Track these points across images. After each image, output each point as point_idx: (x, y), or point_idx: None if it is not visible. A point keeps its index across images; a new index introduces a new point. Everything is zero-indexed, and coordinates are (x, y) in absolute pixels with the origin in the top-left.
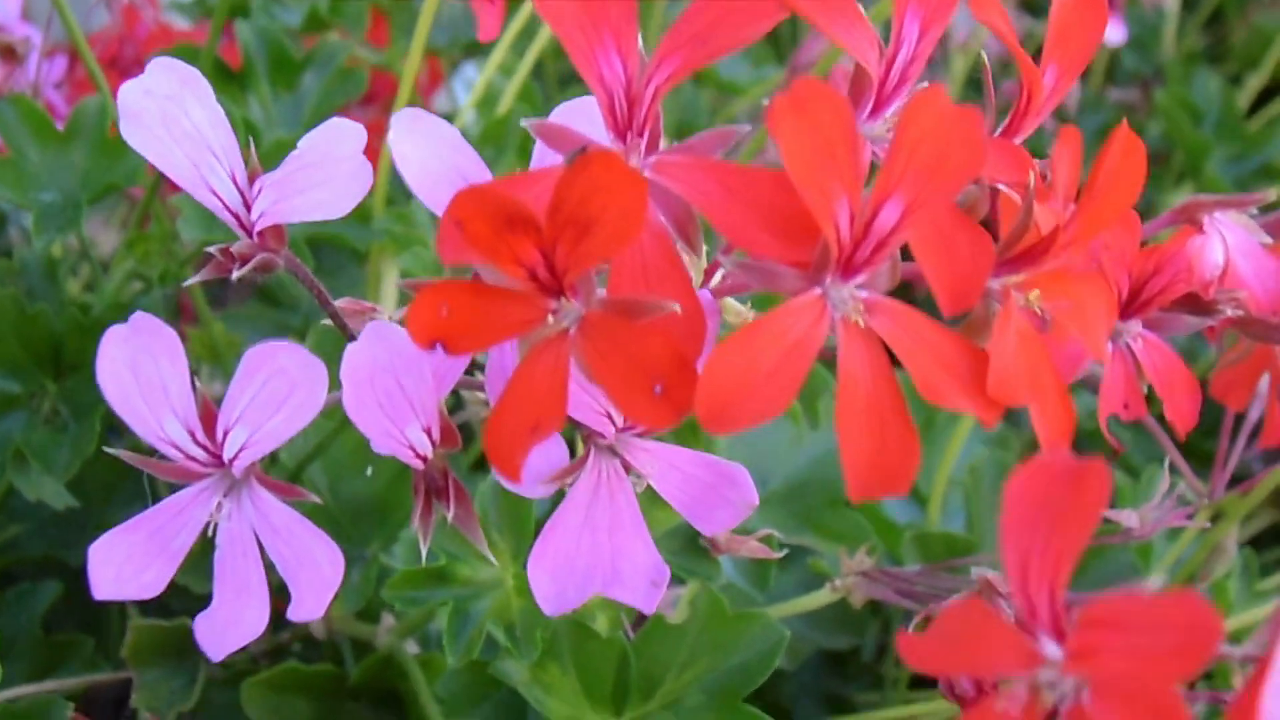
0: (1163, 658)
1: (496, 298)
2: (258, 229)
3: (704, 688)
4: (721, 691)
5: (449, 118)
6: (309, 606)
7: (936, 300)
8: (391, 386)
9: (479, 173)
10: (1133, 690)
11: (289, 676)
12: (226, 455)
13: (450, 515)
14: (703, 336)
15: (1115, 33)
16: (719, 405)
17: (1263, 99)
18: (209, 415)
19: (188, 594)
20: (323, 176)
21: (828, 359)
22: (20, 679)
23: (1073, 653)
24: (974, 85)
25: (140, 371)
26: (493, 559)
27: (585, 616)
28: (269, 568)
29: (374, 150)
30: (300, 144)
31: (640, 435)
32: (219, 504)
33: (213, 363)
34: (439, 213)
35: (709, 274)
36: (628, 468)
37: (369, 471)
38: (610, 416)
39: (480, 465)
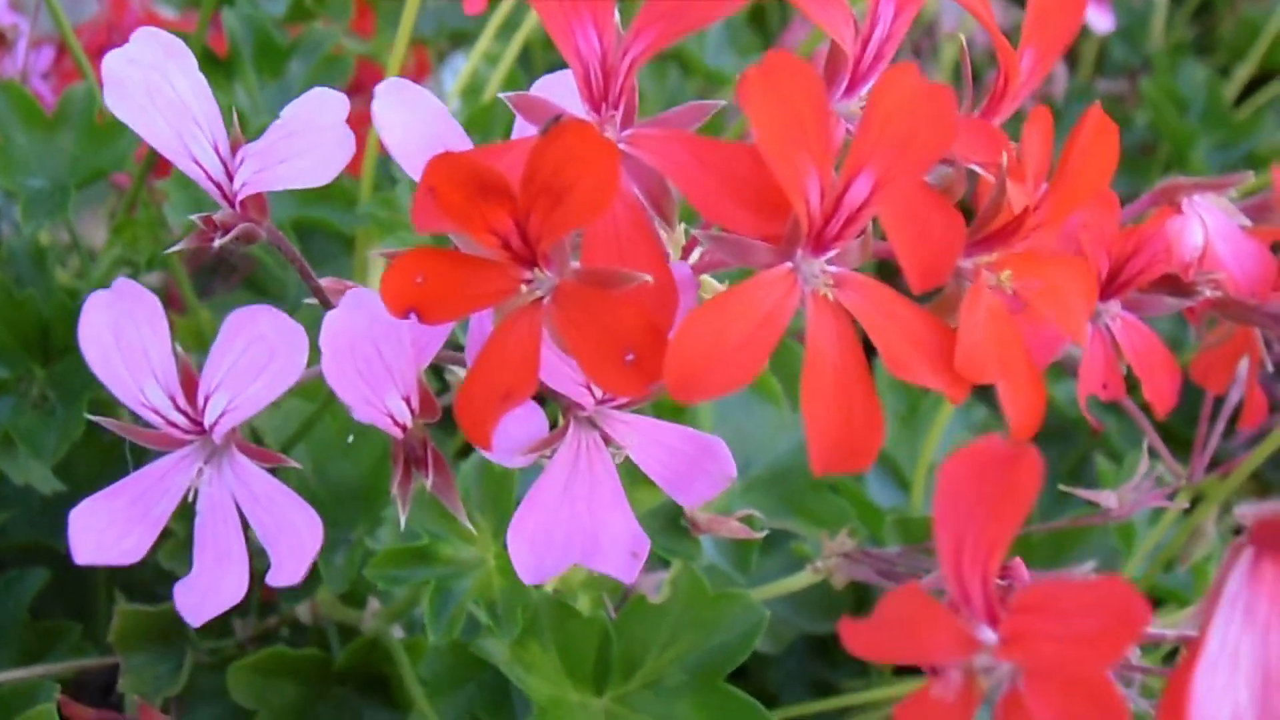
0: (1092, 642)
1: (470, 267)
2: (240, 198)
3: (685, 667)
4: (702, 671)
5: None
6: (288, 572)
7: (906, 277)
8: (371, 354)
9: (461, 143)
10: (1064, 674)
11: (275, 661)
12: (207, 421)
13: (429, 483)
14: (674, 307)
15: (1102, 21)
16: (689, 374)
17: (1251, 89)
18: (190, 381)
19: (175, 580)
20: (305, 145)
21: None
22: (8, 664)
23: (1006, 638)
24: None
25: (122, 336)
26: (473, 531)
27: (567, 596)
28: (257, 557)
29: (360, 140)
30: (283, 113)
31: (619, 408)
32: (199, 470)
33: (200, 351)
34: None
35: (686, 251)
36: (607, 440)
37: (350, 439)
38: (589, 388)
39: (466, 451)
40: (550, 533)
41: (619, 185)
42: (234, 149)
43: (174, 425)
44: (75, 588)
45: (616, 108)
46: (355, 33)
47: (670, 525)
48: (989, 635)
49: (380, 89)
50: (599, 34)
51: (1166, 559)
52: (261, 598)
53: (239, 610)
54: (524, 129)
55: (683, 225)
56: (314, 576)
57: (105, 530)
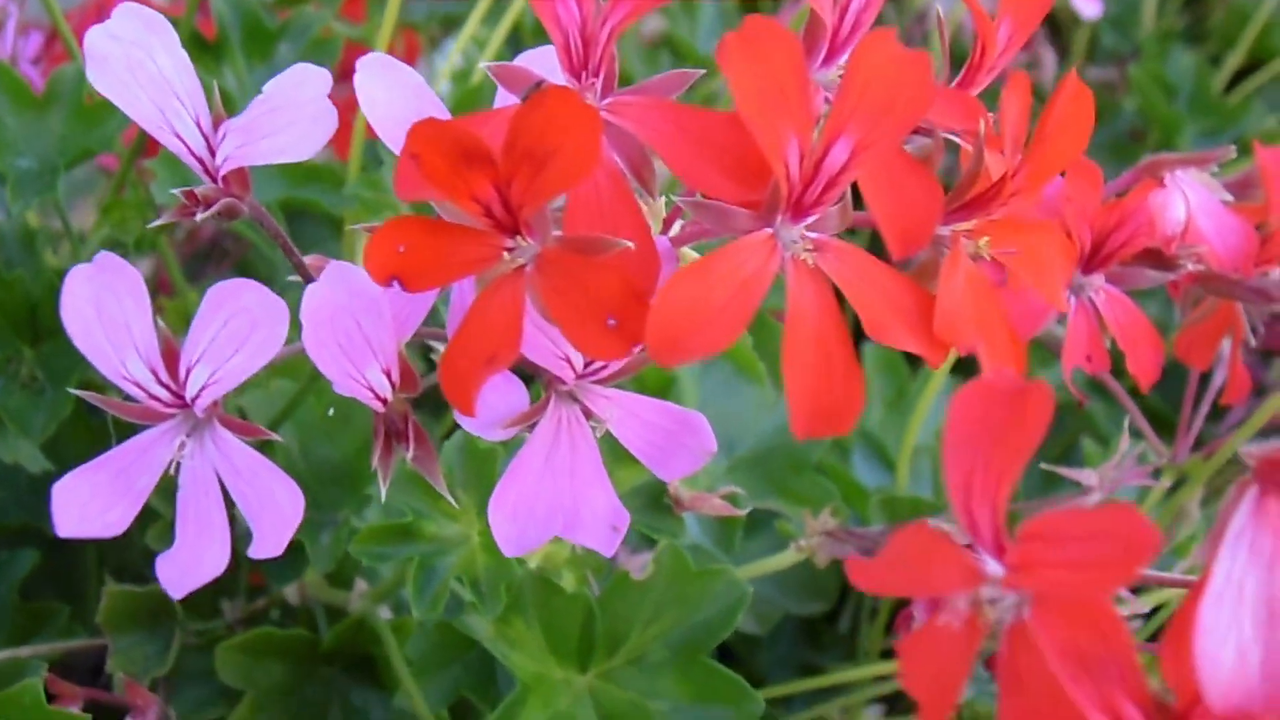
0: (1099, 567)
1: (453, 235)
2: (222, 173)
3: (668, 643)
4: (686, 647)
5: None
6: (270, 544)
7: (886, 242)
8: (351, 327)
9: (442, 116)
10: (1070, 600)
11: (263, 641)
12: (189, 394)
13: (409, 455)
14: (656, 272)
15: (1090, 7)
16: (671, 337)
17: (1241, 78)
18: (171, 354)
19: None
20: (286, 120)
21: None
22: None
23: (1012, 566)
24: (954, 63)
25: (104, 309)
26: (455, 504)
27: (551, 574)
28: (243, 540)
29: (347, 125)
30: (265, 88)
31: (600, 382)
32: (182, 444)
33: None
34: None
35: (667, 224)
36: (588, 414)
37: (329, 411)
38: (570, 361)
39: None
40: (531, 505)
41: (601, 152)
42: (216, 125)
43: (156, 399)
44: (65, 570)
45: (597, 76)
46: (345, 18)
47: (653, 503)
48: (995, 567)
49: (362, 62)
50: (578, 2)
51: None
52: (250, 581)
53: (227, 592)
54: (506, 99)
55: (663, 198)
56: (302, 558)
57: (88, 503)
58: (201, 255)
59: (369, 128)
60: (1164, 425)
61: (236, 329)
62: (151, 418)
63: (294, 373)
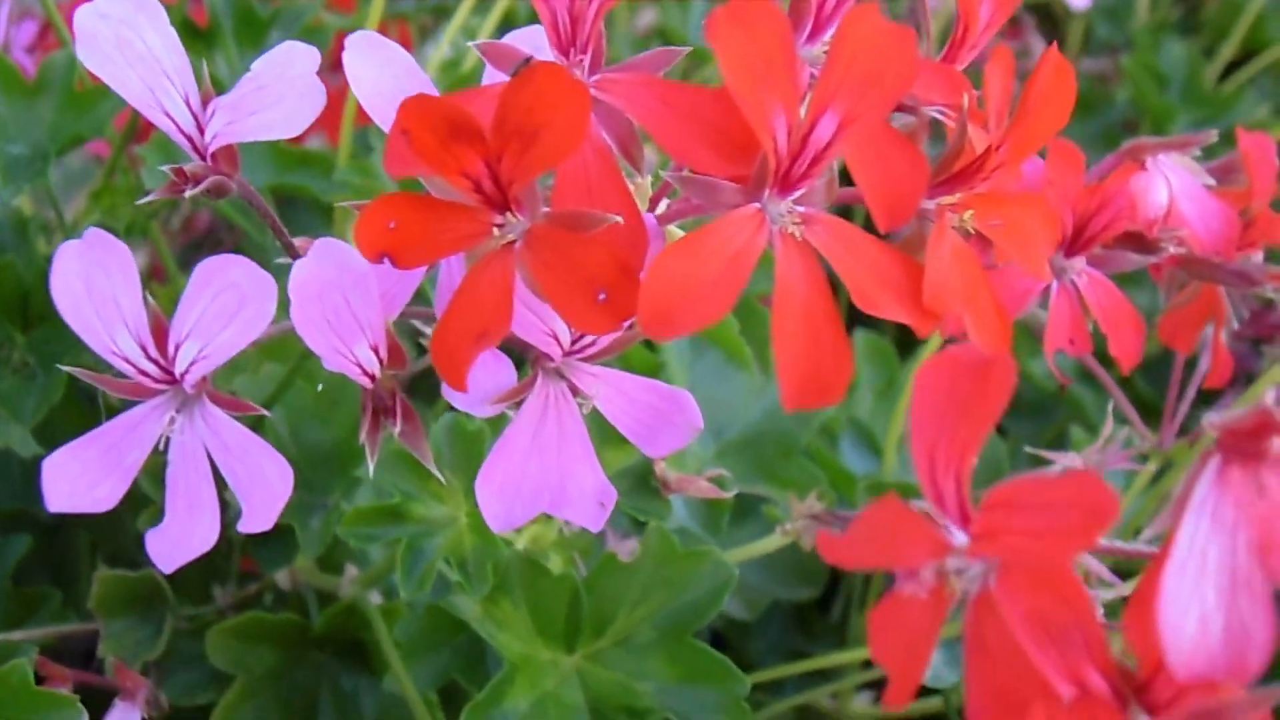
0: (1061, 534)
1: (443, 211)
2: (211, 151)
3: (655, 624)
4: (672, 628)
5: None
6: (259, 519)
7: (872, 215)
8: (339, 303)
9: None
10: (1033, 568)
11: (254, 625)
12: (178, 369)
13: (397, 431)
14: (644, 247)
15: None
16: (661, 310)
17: (1235, 69)
18: (160, 329)
19: None
20: (275, 97)
21: None
22: None
23: (976, 535)
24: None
25: (93, 285)
26: (445, 484)
27: (539, 556)
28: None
29: (337, 113)
30: (254, 66)
31: (587, 359)
32: (171, 419)
33: None
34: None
35: (654, 202)
36: (575, 391)
37: (319, 387)
38: (557, 338)
39: None
40: (518, 482)
41: (589, 127)
42: (205, 103)
43: (145, 374)
44: (58, 555)
45: (585, 53)
46: (336, 8)
47: (640, 485)
48: (960, 537)
49: (350, 40)
50: None
51: (1135, 526)
52: (241, 566)
53: (219, 577)
54: (494, 77)
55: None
56: (293, 543)
57: (78, 479)
58: (195, 245)
59: (359, 113)
60: (1151, 413)
61: (225, 304)
62: (141, 394)
63: (283, 356)
